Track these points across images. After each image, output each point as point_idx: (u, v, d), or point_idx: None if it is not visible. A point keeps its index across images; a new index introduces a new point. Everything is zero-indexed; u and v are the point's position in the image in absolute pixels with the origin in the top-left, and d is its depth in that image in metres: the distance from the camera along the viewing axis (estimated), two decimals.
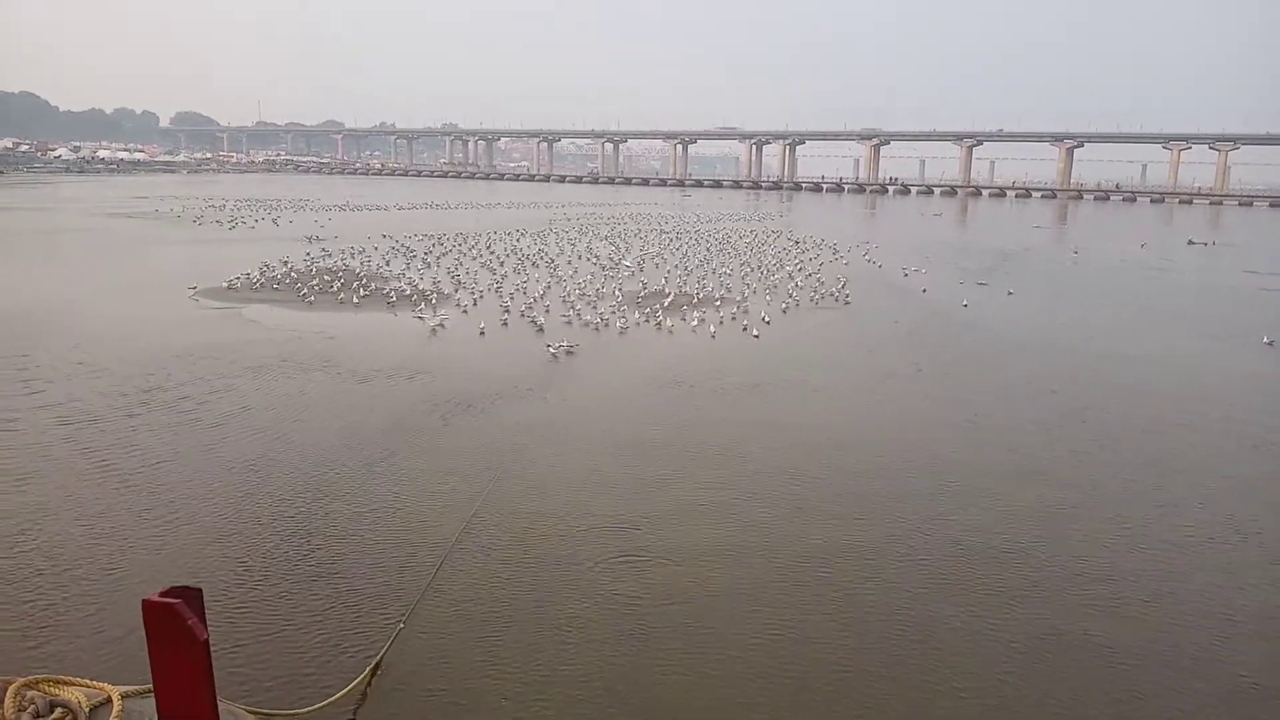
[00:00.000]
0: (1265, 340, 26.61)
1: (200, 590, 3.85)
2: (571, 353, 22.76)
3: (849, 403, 19.40)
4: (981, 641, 9.70)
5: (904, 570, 11.30)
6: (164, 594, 3.67)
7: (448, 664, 9.04)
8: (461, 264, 40.74)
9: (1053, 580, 11.15)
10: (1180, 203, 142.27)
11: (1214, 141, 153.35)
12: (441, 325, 26.39)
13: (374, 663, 8.78)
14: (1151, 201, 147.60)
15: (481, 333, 25.47)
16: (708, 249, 51.01)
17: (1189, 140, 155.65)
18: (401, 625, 9.54)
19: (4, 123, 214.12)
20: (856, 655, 9.39)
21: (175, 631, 3.65)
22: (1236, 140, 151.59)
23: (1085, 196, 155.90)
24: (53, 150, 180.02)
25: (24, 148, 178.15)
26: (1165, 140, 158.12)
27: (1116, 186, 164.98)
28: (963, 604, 10.47)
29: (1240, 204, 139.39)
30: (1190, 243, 66.02)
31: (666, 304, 30.53)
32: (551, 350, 22.79)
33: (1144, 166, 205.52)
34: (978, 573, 11.28)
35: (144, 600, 3.68)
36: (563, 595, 10.41)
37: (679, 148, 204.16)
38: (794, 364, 22.78)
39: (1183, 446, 16.82)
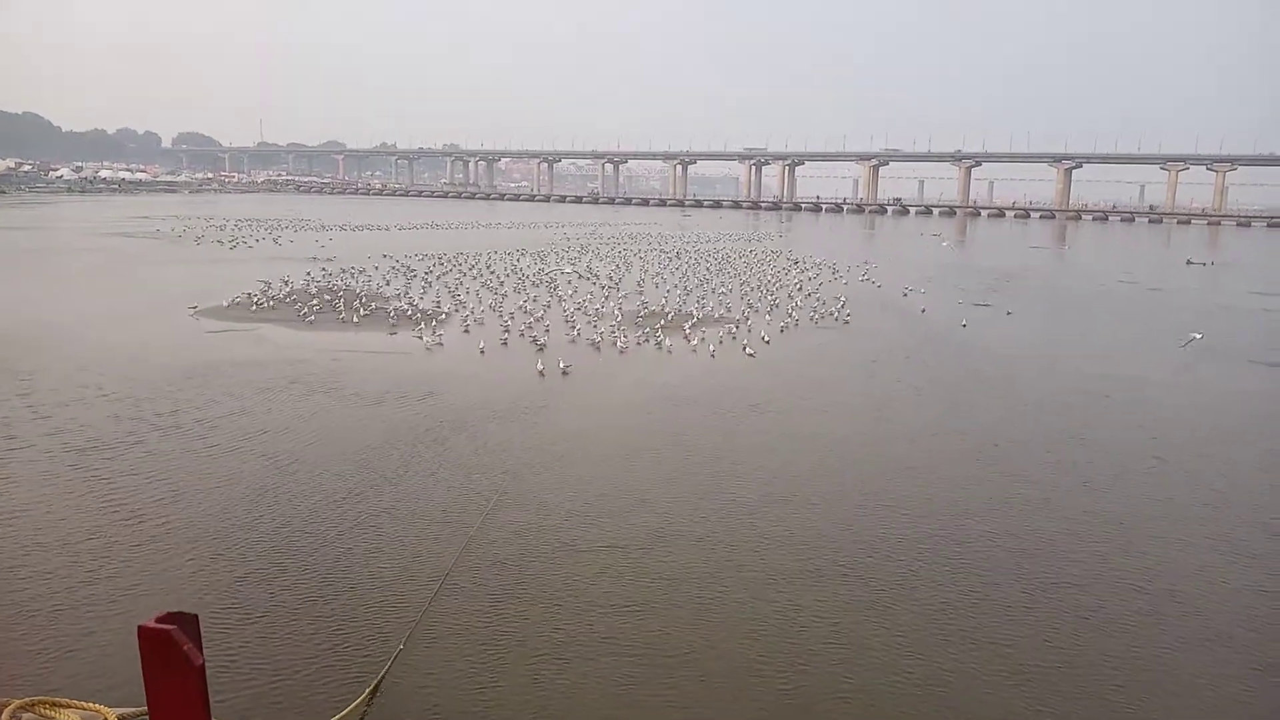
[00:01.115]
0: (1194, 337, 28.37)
1: (196, 616, 3.82)
2: (566, 373, 22.69)
3: (848, 424, 19.32)
4: (987, 671, 9.64)
5: (908, 597, 11.24)
6: (160, 620, 3.64)
7: (447, 685, 8.98)
8: (462, 283, 40.80)
9: (1066, 612, 11.09)
10: (1179, 223, 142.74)
11: (1211, 162, 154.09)
12: (440, 343, 26.42)
13: (373, 684, 8.72)
14: (1150, 222, 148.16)
15: (481, 352, 25.46)
16: (707, 269, 51.11)
17: (1187, 161, 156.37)
18: (401, 646, 9.48)
19: (7, 143, 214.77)
20: (861, 683, 9.33)
21: (171, 658, 3.62)
22: (1234, 161, 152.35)
23: (1084, 217, 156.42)
24: (55, 170, 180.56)
25: (26, 168, 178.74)
26: (1163, 161, 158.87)
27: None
28: (972, 638, 10.41)
29: (1238, 224, 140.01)
30: (1189, 263, 66.14)
31: (666, 323, 30.55)
32: (540, 369, 22.83)
33: (1142, 187, 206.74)
34: (986, 608, 11.22)
35: (140, 626, 3.64)
36: (563, 616, 10.35)
37: (679, 168, 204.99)
38: (793, 384, 22.76)
39: (1195, 473, 16.64)
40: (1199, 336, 28.45)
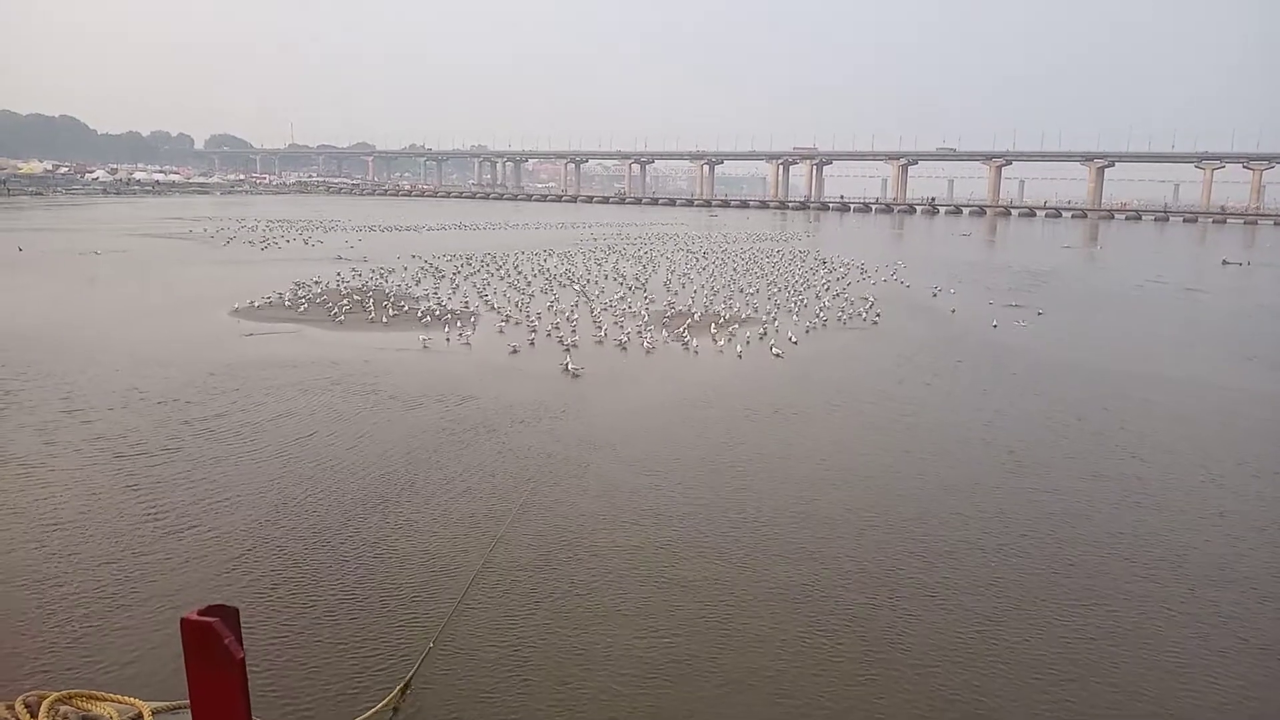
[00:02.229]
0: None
1: (237, 609, 3.87)
2: (577, 375, 22.58)
3: (877, 429, 19.08)
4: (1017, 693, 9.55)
5: (936, 616, 11.15)
6: (202, 612, 3.69)
7: (476, 684, 9.02)
8: (490, 283, 41.01)
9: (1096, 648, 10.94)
10: (1214, 222, 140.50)
11: (1248, 160, 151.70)
12: (467, 344, 26.57)
13: (403, 682, 8.78)
14: (1184, 221, 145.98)
15: (515, 351, 25.58)
16: (734, 269, 51.00)
17: (1222, 159, 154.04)
18: (431, 645, 9.55)
19: (45, 145, 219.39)
20: (888, 693, 9.28)
21: (212, 650, 3.67)
22: (1271, 159, 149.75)
23: (1117, 216, 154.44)
24: (90, 172, 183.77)
25: (63, 170, 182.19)
26: (1198, 159, 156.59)
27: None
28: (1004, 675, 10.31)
29: (1276, 224, 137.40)
30: (1225, 263, 65.09)
31: (693, 323, 30.51)
32: (563, 367, 23.05)
33: (1176, 186, 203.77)
34: (1019, 647, 11.10)
35: (182, 618, 3.70)
36: (591, 618, 10.37)
37: (705, 168, 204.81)
38: (820, 387, 22.61)
39: (1245, 489, 15.78)
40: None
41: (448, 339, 27.20)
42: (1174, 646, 10.13)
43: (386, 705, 8.36)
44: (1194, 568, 12.26)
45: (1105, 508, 14.42)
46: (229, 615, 3.77)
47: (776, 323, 31.70)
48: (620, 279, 44.30)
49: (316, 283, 39.14)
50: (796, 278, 46.73)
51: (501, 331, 28.84)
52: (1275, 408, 21.82)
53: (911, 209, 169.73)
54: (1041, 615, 10.75)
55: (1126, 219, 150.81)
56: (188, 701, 4.14)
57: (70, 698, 4.72)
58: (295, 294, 35.41)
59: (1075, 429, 19.06)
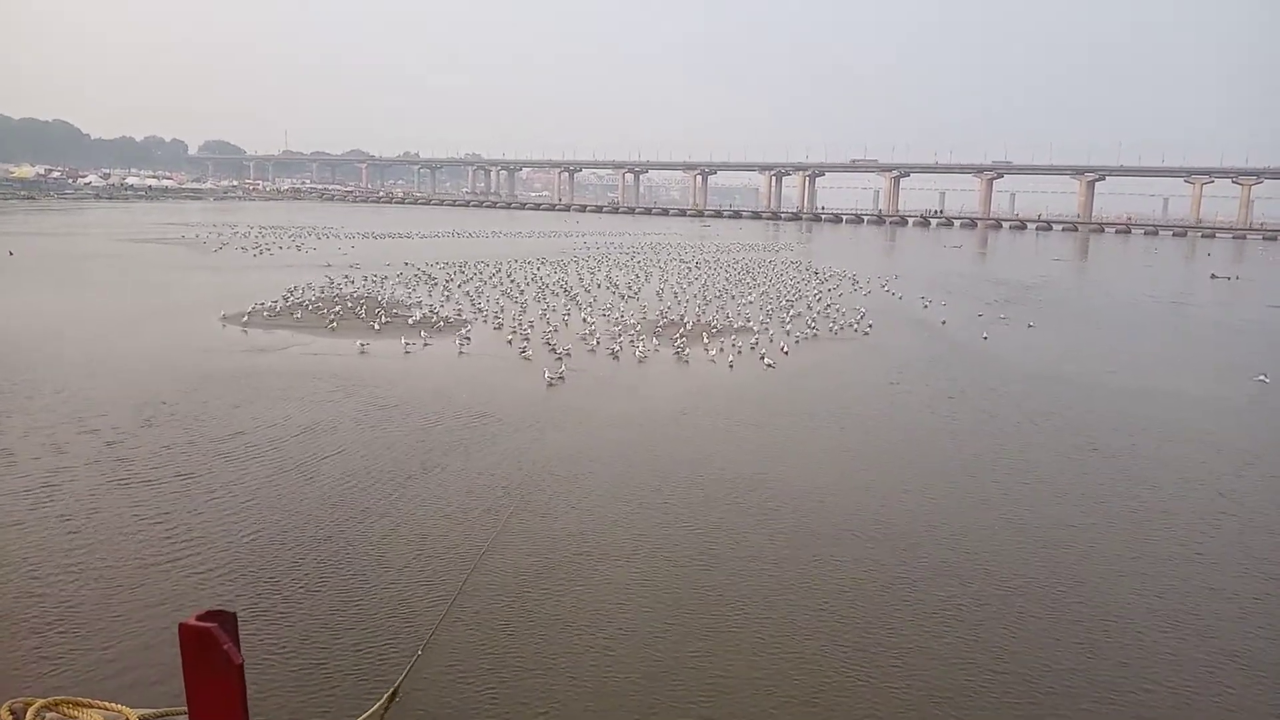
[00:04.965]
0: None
1: (235, 615, 3.90)
2: (553, 385, 22.62)
3: (869, 443, 19.10)
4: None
5: (932, 642, 11.21)
6: (200, 618, 3.71)
7: (464, 693, 9.07)
8: (482, 291, 41.03)
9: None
10: (1203, 236, 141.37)
11: (1237, 175, 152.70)
12: (463, 352, 26.61)
13: (391, 690, 8.80)
14: (1174, 235, 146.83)
15: (525, 357, 25.78)
16: (727, 279, 51.12)
17: (1211, 174, 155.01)
18: (419, 653, 9.58)
19: (38, 149, 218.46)
20: (886, 701, 9.35)
21: (211, 656, 3.70)
22: (1260, 174, 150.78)
23: (1107, 230, 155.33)
24: (83, 177, 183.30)
25: (55, 174, 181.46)
26: (1187, 174, 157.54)
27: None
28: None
29: (1265, 238, 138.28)
30: (1213, 277, 65.47)
31: (685, 333, 30.57)
32: (555, 376, 23.08)
33: (1166, 200, 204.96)
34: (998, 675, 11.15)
35: (180, 624, 3.72)
36: (578, 627, 10.43)
37: (699, 178, 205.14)
38: (811, 398, 22.69)
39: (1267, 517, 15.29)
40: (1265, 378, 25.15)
41: (429, 344, 27.19)
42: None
43: (374, 712, 8.38)
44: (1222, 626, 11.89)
45: (1115, 540, 13.70)
46: (227, 621, 3.80)
47: (769, 333, 31.79)
48: (613, 288, 44.36)
49: (312, 288, 39.20)
50: (788, 288, 46.88)
51: (509, 342, 28.70)
52: (1272, 421, 21.93)
53: (904, 220, 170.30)
54: (1043, 640, 10.85)
55: (1117, 232, 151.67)
56: (175, 709, 4.17)
57: (56, 705, 4.72)
58: (289, 300, 35.36)
59: (1077, 446, 18.87)
